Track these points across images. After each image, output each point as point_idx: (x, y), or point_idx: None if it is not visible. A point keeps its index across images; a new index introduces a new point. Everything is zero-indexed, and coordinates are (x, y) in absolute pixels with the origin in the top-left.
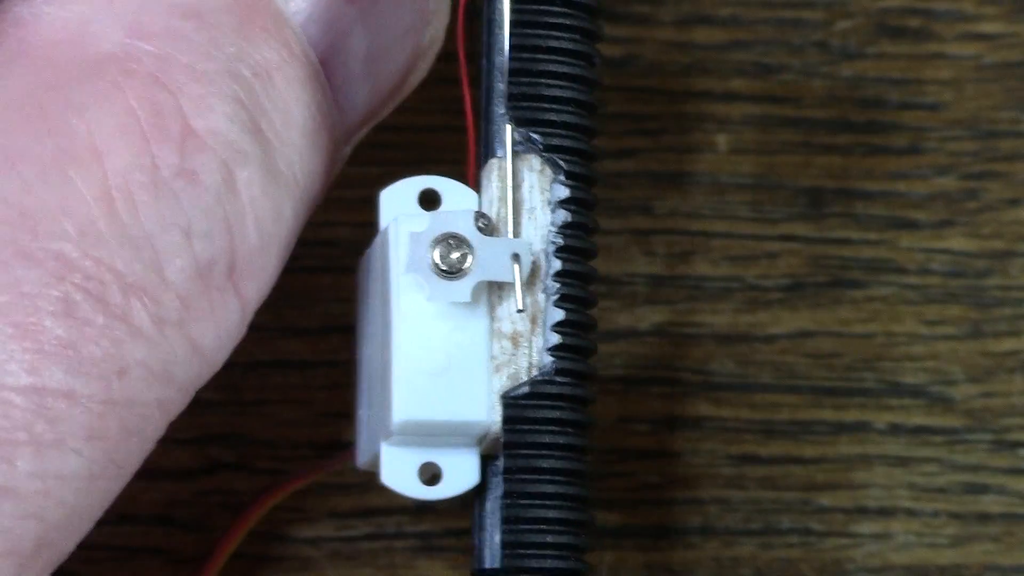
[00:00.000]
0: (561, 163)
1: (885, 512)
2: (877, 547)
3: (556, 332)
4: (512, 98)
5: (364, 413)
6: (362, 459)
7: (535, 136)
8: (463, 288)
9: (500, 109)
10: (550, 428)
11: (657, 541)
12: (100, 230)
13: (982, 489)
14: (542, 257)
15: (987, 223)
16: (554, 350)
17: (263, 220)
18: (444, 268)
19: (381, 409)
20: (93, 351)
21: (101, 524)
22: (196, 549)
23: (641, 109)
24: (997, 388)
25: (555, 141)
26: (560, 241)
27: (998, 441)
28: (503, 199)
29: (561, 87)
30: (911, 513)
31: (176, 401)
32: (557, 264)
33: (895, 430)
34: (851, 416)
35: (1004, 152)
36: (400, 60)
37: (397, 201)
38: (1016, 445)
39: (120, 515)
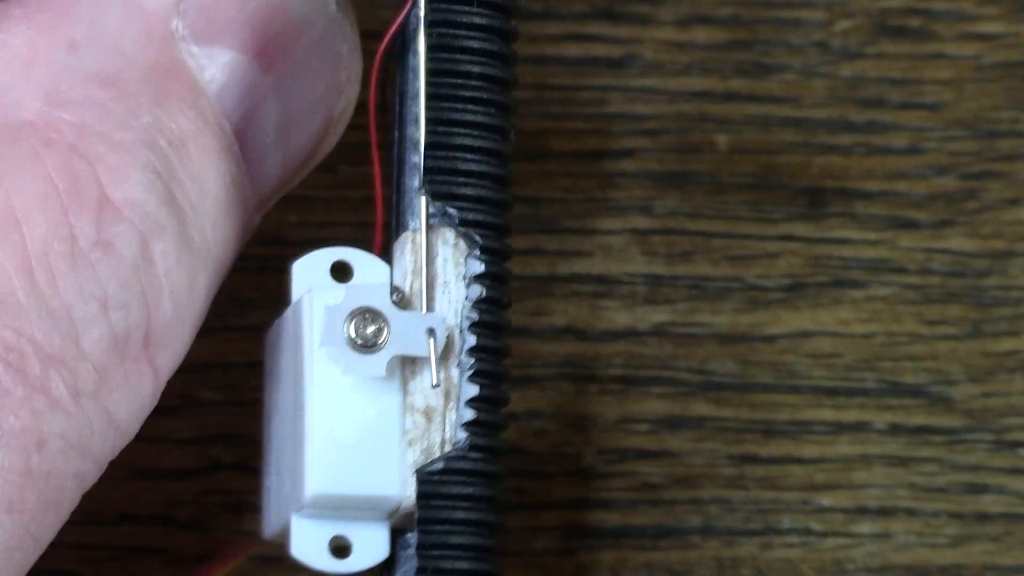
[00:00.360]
0: (477, 238)
1: (885, 512)
2: (877, 547)
3: (471, 408)
4: (428, 171)
5: (272, 483)
6: (269, 530)
7: (451, 210)
8: (378, 362)
9: (415, 182)
10: (464, 504)
11: (657, 541)
12: (20, 301)
13: (982, 489)
14: (456, 332)
15: (987, 223)
16: (468, 426)
17: (178, 291)
18: (359, 342)
19: (292, 481)
20: (12, 423)
21: (101, 524)
22: (196, 549)
23: (641, 109)
24: (997, 388)
25: (471, 216)
26: (475, 316)
27: (998, 441)
28: (416, 273)
29: (478, 162)
30: (911, 513)
31: (91, 473)
32: (472, 339)
33: (895, 430)
34: (851, 416)
35: (1004, 152)
36: (312, 130)
37: (309, 272)
38: (1016, 445)
39: (120, 515)
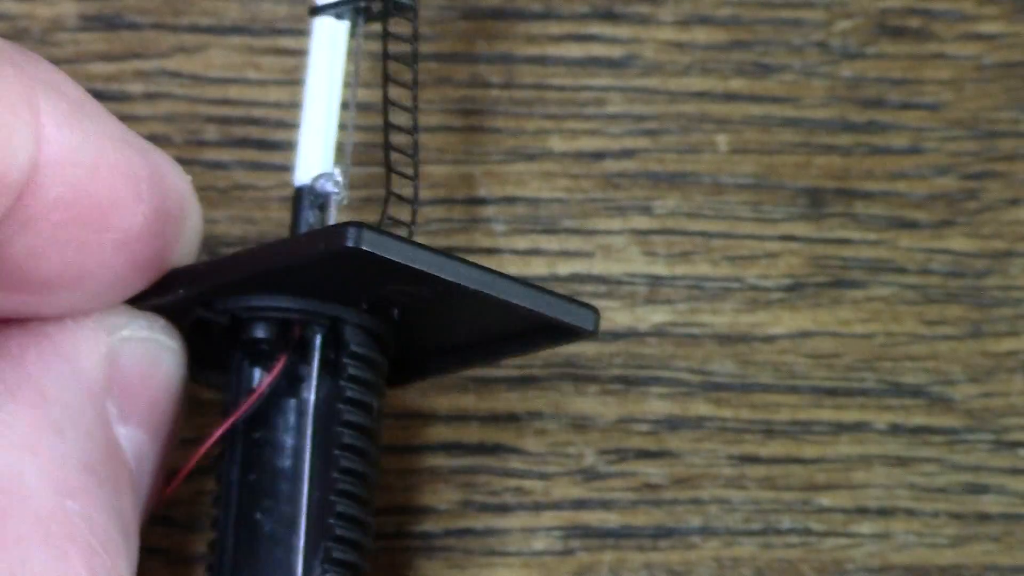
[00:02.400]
0: None
1: (885, 512)
2: (877, 547)
3: None
4: (337, 540)
5: None
6: None
7: None
8: None
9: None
10: None
11: (657, 541)
12: None
13: (982, 489)
14: None
15: (987, 223)
16: None
17: None
18: None
19: None
20: None
21: None
22: (196, 549)
23: (641, 109)
24: (997, 388)
25: None
26: None
27: (998, 441)
28: None
29: (366, 536)
30: (911, 513)
31: None
32: None
33: (895, 430)
34: (851, 416)
35: (1004, 152)
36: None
37: None
38: (1016, 445)
39: None
